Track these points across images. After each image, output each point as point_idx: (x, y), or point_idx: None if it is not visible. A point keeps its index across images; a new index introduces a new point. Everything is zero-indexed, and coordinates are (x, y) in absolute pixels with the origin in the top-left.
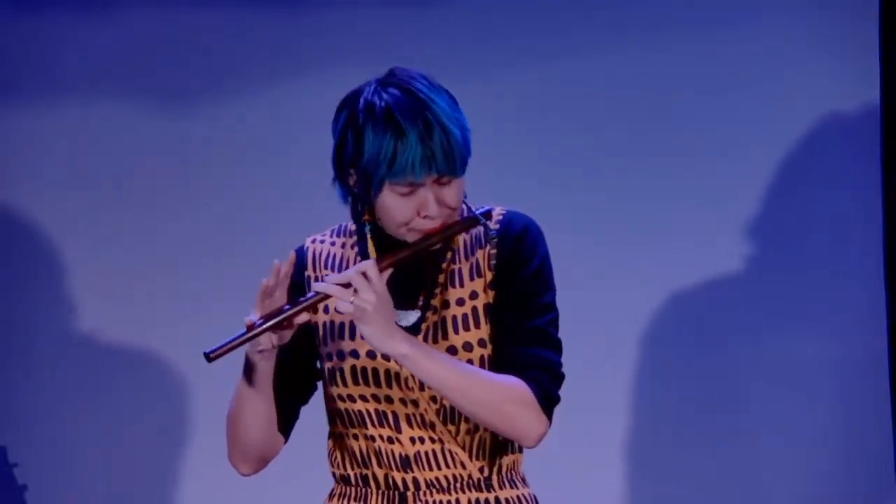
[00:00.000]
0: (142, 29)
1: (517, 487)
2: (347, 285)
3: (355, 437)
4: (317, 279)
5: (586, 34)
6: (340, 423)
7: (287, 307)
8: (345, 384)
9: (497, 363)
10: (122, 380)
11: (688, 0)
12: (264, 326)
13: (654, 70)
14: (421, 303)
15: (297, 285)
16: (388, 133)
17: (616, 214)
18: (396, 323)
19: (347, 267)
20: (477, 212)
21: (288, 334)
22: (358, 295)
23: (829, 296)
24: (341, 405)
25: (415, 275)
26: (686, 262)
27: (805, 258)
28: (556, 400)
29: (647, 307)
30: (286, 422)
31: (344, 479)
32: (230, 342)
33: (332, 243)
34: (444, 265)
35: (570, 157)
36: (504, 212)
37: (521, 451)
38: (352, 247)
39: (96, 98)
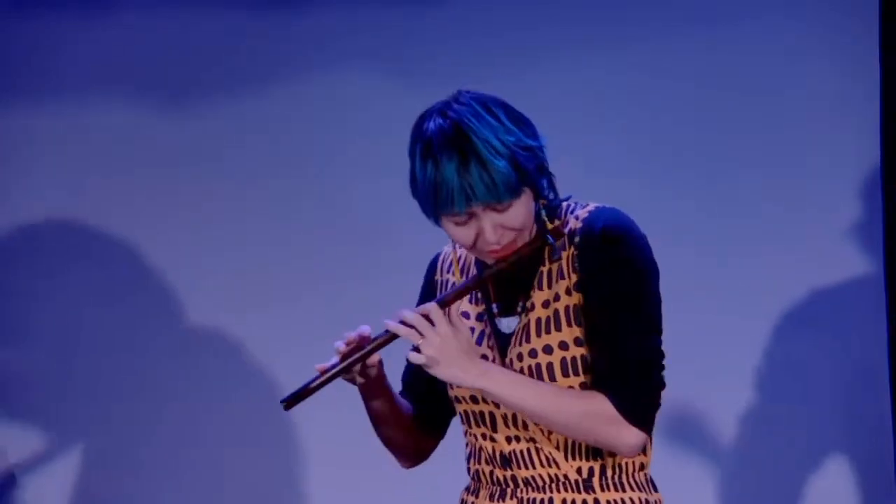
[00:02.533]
0: (142, 29)
1: (625, 490)
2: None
3: (467, 434)
4: (441, 282)
5: (586, 32)
6: (462, 422)
7: (360, 350)
8: (450, 386)
9: (591, 377)
10: (122, 379)
11: (687, 1)
12: (333, 371)
13: (653, 70)
14: (520, 308)
15: (430, 288)
16: (428, 167)
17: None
18: (501, 331)
19: (468, 272)
20: (566, 228)
21: (373, 371)
22: (423, 340)
23: (829, 296)
24: (455, 406)
25: (517, 279)
26: (686, 262)
27: (805, 258)
28: (651, 408)
29: None
30: (433, 423)
31: (468, 473)
32: (303, 388)
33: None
34: (538, 267)
35: (571, 156)
36: (592, 209)
37: (642, 452)
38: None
39: (96, 98)
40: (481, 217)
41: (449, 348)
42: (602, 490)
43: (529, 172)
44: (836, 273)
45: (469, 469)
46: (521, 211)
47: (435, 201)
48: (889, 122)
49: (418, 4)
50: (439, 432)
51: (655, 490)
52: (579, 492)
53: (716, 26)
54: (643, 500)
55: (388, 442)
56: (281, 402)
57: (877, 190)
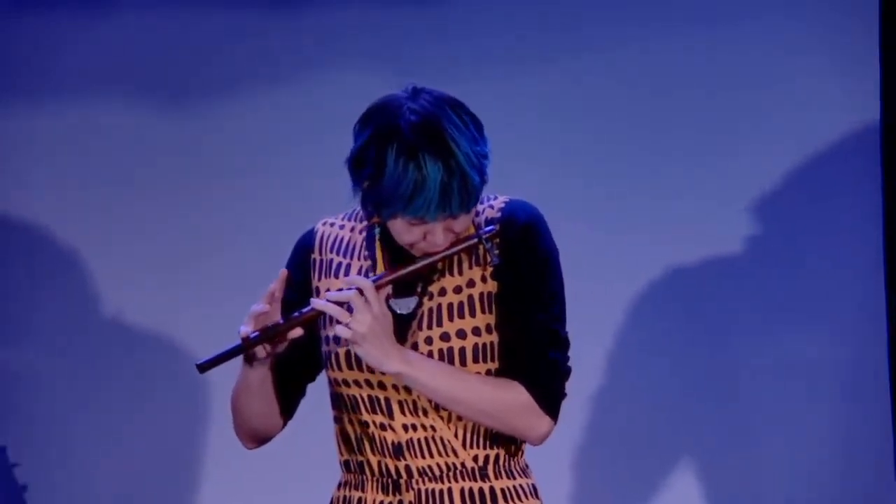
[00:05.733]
0: (142, 29)
1: (515, 478)
2: (345, 304)
3: (350, 422)
4: (322, 261)
5: (586, 33)
6: (338, 408)
7: (282, 321)
8: (339, 368)
9: (503, 365)
10: (123, 379)
11: (687, 1)
12: (258, 340)
13: (653, 70)
14: (419, 290)
15: (304, 267)
16: (409, 175)
17: (619, 213)
18: (395, 311)
19: (353, 251)
20: (482, 217)
21: (282, 345)
22: (354, 316)
23: (829, 296)
24: (337, 389)
25: (410, 260)
26: (687, 261)
27: (805, 258)
28: (561, 398)
29: (648, 305)
30: (288, 404)
31: (345, 466)
32: (223, 354)
33: (342, 227)
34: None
35: (573, 156)
36: (507, 200)
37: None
38: (360, 232)
39: (96, 98)
40: (436, 222)
41: (378, 329)
42: (496, 478)
43: (486, 182)
44: (836, 272)
45: (347, 461)
46: (468, 219)
47: (406, 205)
48: (889, 122)
49: (418, 4)
50: (290, 416)
51: (531, 475)
52: (476, 480)
53: (715, 26)
54: (529, 486)
55: (248, 415)
56: (197, 364)
57: (877, 189)
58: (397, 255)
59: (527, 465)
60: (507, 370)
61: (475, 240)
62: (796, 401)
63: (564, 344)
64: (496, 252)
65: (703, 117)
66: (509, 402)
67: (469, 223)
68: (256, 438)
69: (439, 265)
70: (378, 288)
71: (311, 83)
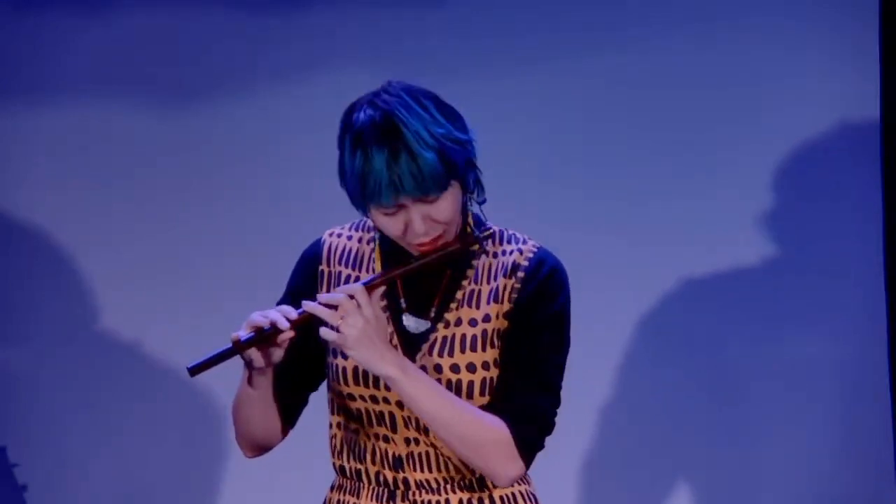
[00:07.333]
0: (142, 29)
1: (513, 484)
2: (336, 307)
3: (351, 431)
4: (331, 274)
5: (586, 33)
6: (339, 415)
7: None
8: (346, 383)
9: (493, 399)
10: (123, 380)
11: (687, 0)
12: (249, 342)
13: (653, 70)
14: (433, 314)
15: (311, 279)
16: (357, 158)
17: (618, 214)
18: (406, 329)
19: (362, 262)
20: (481, 230)
21: (279, 353)
22: (345, 320)
23: (829, 296)
24: (340, 401)
25: (435, 284)
26: (687, 261)
27: (805, 258)
28: (539, 448)
29: (648, 306)
30: (290, 414)
31: (341, 470)
32: (214, 357)
33: (350, 237)
34: (464, 283)
35: (573, 156)
36: (536, 248)
37: None
38: (368, 242)
39: (96, 98)
40: (410, 209)
41: (370, 332)
42: (494, 486)
43: (458, 166)
44: (836, 273)
45: (343, 467)
46: (449, 204)
47: (363, 192)
48: (889, 122)
49: (418, 4)
50: (292, 425)
51: (530, 481)
52: (474, 491)
53: (715, 25)
54: (528, 493)
55: (249, 424)
56: (187, 368)
57: (877, 190)
58: (395, 258)
59: (525, 473)
60: (494, 407)
61: (468, 240)
62: (796, 401)
63: (556, 398)
64: (524, 263)
65: (702, 117)
66: (489, 436)
67: (451, 210)
68: (257, 447)
69: (458, 294)
70: (370, 290)
71: (311, 83)
